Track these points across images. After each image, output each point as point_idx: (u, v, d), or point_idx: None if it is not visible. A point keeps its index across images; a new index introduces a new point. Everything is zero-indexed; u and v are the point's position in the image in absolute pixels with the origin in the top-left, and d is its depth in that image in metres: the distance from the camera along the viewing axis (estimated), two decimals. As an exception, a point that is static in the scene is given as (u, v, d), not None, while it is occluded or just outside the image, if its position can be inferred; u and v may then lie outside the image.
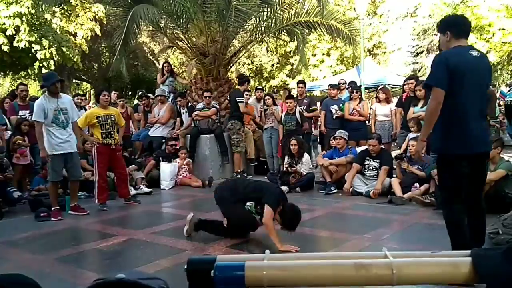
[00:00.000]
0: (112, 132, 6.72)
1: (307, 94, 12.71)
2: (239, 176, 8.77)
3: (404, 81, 8.66)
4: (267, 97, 9.36)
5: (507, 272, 1.18)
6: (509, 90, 8.86)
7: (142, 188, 7.78)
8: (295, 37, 11.07)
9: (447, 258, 1.27)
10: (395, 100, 9.57)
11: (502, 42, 18.68)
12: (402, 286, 1.22)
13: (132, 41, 9.55)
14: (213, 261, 1.28)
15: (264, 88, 13.30)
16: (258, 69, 24.79)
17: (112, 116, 6.78)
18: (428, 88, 3.71)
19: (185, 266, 1.32)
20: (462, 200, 3.57)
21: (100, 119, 6.67)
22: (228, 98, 9.66)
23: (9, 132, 7.77)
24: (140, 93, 11.04)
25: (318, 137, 9.76)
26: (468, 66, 3.51)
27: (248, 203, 4.82)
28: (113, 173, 7.10)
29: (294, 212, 4.47)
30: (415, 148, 3.97)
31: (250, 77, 17.94)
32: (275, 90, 24.36)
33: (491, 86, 9.37)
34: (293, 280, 1.25)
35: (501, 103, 10.55)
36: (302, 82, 10.18)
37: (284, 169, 7.87)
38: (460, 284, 1.26)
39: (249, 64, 23.84)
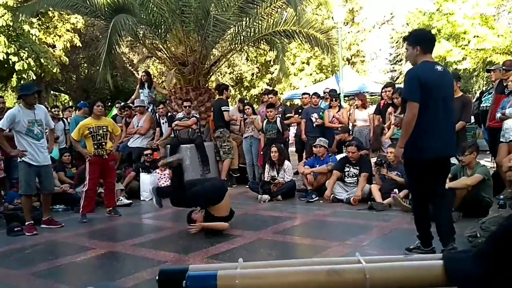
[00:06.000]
0: (103, 143, 6.75)
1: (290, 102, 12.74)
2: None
3: (382, 89, 8.75)
4: (246, 107, 9.38)
5: (477, 275, 1.19)
6: (484, 96, 9.03)
7: (121, 200, 7.68)
8: (274, 46, 11.14)
9: (419, 262, 1.28)
10: (373, 107, 9.69)
11: (477, 49, 19.02)
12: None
13: (115, 51, 9.47)
14: (184, 271, 1.26)
15: (245, 99, 13.37)
16: (238, 78, 24.83)
17: (104, 127, 6.81)
18: (404, 101, 4.02)
19: (156, 277, 1.30)
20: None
21: (91, 130, 6.70)
22: (212, 108, 9.64)
23: None
24: (122, 104, 10.94)
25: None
26: (436, 80, 3.90)
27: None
28: (103, 183, 7.07)
29: None
30: (394, 153, 4.30)
31: (231, 86, 17.94)
32: (256, 99, 24.43)
33: (467, 93, 9.60)
34: (266, 288, 1.24)
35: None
36: (272, 92, 10.20)
37: (266, 179, 7.86)
38: (433, 287, 1.26)
39: (229, 74, 23.86)
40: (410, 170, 4.22)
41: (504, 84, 6.86)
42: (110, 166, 7.01)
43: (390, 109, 7.81)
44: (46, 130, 6.28)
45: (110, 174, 7.00)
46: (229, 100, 10.48)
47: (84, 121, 7.07)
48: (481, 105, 8.22)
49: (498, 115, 6.48)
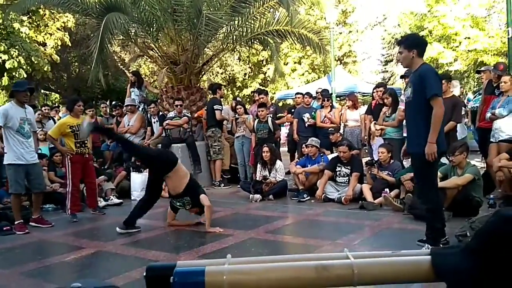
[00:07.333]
0: (86, 141, 6.69)
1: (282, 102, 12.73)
2: (218, 184, 8.90)
3: (373, 89, 8.77)
4: (238, 106, 9.36)
5: (465, 270, 1.20)
6: (474, 97, 9.10)
7: (112, 199, 7.64)
8: (268, 46, 11.13)
9: (407, 257, 1.28)
10: (365, 107, 9.73)
11: (468, 51, 19.17)
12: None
13: (107, 50, 9.41)
14: (172, 267, 1.25)
15: (238, 98, 13.38)
16: (230, 78, 24.77)
17: None
18: (431, 97, 4.02)
19: (144, 273, 1.29)
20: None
21: (74, 128, 6.60)
22: (205, 107, 9.64)
23: None
24: (102, 105, 10.94)
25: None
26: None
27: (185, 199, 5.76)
28: (84, 183, 6.98)
29: None
30: (429, 151, 4.03)
31: (223, 86, 17.86)
32: (248, 99, 24.40)
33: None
34: (254, 284, 1.24)
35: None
36: (263, 92, 10.20)
37: (257, 178, 7.86)
38: (421, 282, 1.27)
39: (221, 74, 23.79)
40: (425, 165, 4.15)
41: (494, 85, 6.90)
42: (90, 165, 6.92)
43: (384, 109, 7.81)
44: None
45: (90, 174, 6.89)
46: (222, 99, 10.46)
47: (64, 120, 6.98)
48: (472, 105, 8.28)
49: (488, 115, 6.52)
